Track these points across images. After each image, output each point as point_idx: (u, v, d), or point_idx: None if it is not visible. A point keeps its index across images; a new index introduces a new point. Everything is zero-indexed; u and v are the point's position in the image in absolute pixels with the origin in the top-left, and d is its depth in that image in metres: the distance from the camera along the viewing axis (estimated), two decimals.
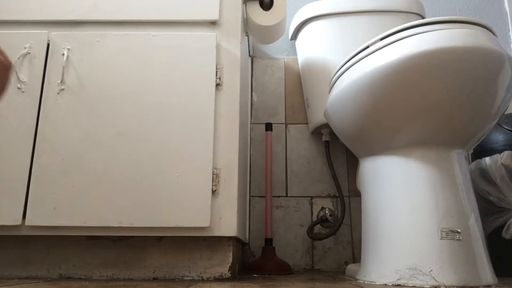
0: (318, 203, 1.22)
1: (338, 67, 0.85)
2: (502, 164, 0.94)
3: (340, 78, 0.84)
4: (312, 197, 1.23)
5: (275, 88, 1.35)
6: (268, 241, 1.11)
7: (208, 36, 0.87)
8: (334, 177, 1.20)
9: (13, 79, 0.84)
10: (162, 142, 0.81)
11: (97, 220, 0.77)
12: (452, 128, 0.74)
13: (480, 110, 0.73)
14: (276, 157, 1.27)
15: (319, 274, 1.03)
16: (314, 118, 1.20)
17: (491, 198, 0.95)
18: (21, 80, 0.84)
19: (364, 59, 0.77)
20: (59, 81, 0.84)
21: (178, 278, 0.80)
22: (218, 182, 0.80)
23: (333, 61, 1.15)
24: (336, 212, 1.21)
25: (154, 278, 0.80)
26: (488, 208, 0.96)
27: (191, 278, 0.80)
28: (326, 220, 1.19)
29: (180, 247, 0.82)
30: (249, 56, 1.34)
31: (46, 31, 0.87)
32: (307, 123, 1.30)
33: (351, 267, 0.94)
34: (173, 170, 0.79)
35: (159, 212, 0.77)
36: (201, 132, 0.82)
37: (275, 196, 1.23)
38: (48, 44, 0.86)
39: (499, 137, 1.02)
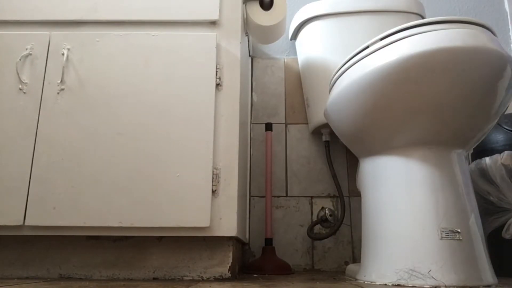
0: (318, 203, 1.22)
1: (338, 67, 0.85)
2: (502, 164, 0.94)
3: (340, 78, 0.84)
4: (312, 197, 1.23)
5: (275, 88, 1.35)
6: (268, 241, 1.11)
7: (208, 36, 0.87)
8: (334, 177, 1.20)
9: (14, 80, 0.84)
10: (162, 142, 0.81)
11: (97, 220, 0.77)
12: (452, 128, 0.74)
13: (480, 110, 0.73)
14: (276, 157, 1.27)
15: (319, 274, 1.03)
16: (314, 118, 1.20)
17: (491, 198, 0.95)
18: (23, 81, 0.84)
19: (364, 59, 0.77)
20: (59, 81, 0.84)
21: (178, 278, 0.80)
22: (218, 182, 0.80)
23: (333, 61, 1.15)
24: (336, 212, 1.21)
25: (154, 278, 0.80)
26: (488, 208, 0.96)
27: (191, 278, 0.80)
28: (326, 220, 1.19)
29: (180, 247, 0.82)
30: (249, 56, 1.34)
31: (48, 33, 0.87)
32: (307, 123, 1.30)
33: (351, 267, 0.94)
34: (173, 170, 0.79)
35: (159, 212, 0.77)
36: (201, 132, 0.82)
37: (275, 196, 1.23)
38: (48, 44, 0.86)
39: (499, 137, 1.02)
